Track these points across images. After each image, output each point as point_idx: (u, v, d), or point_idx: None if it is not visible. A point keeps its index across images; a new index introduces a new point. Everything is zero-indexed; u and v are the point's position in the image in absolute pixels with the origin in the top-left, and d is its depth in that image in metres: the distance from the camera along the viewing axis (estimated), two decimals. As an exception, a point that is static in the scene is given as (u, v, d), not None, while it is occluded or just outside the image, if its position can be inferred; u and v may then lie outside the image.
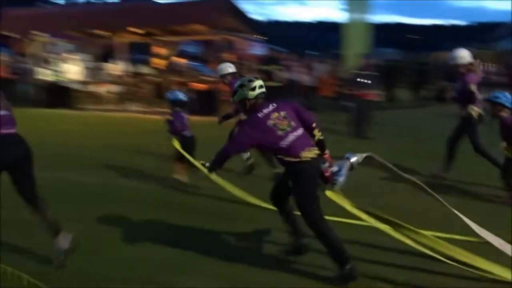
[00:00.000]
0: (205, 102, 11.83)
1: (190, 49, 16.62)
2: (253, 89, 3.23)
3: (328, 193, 3.10)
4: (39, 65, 14.13)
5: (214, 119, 10.24)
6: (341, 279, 2.99)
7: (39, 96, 13.72)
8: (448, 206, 3.25)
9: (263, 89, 3.27)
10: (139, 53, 16.09)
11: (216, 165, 3.29)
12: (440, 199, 3.26)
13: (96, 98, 13.87)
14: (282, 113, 3.16)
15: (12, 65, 14.58)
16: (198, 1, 13.16)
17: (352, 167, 3.20)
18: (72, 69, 14.21)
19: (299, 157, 3.03)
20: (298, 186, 3.08)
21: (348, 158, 3.21)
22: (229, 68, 6.12)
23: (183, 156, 5.13)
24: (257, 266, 3.27)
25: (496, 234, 3.29)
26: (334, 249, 3.02)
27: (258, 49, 15.13)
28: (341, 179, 3.11)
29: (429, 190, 3.28)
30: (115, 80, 13.99)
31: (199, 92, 12.22)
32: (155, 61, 14.91)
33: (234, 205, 4.57)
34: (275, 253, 3.47)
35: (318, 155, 3.13)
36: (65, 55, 14.82)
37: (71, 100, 13.58)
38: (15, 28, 14.15)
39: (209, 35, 12.73)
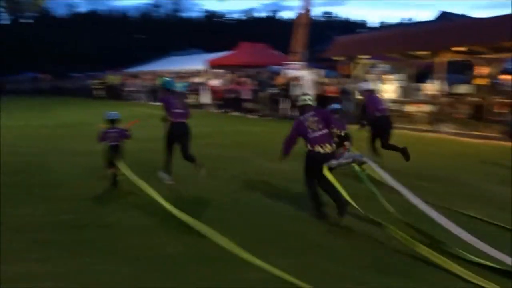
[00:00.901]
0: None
1: (515, 66, 14.77)
2: (299, 100, 5.16)
3: (324, 167, 4.70)
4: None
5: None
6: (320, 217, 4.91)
7: (358, 113, 14.86)
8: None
9: (307, 102, 5.07)
10: (456, 72, 15.42)
11: (283, 151, 5.12)
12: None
13: (408, 117, 14.05)
14: (316, 118, 4.86)
15: (337, 86, 16.42)
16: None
17: (353, 161, 4.86)
18: (388, 89, 14.86)
19: (313, 148, 4.76)
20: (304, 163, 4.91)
21: (355, 156, 4.92)
22: (366, 86, 8.11)
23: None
24: None
25: None
26: (313, 198, 4.96)
27: None
28: (334, 161, 4.73)
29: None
30: (428, 100, 13.85)
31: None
32: (476, 80, 13.95)
33: None
34: None
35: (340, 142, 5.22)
36: (382, 75, 15.66)
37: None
38: (342, 52, 15.91)
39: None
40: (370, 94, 7.90)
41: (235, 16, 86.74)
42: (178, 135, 6.44)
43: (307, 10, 18.76)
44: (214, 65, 22.71)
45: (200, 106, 21.03)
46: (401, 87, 15.39)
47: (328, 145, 4.79)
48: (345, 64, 16.46)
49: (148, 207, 5.37)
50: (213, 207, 5.57)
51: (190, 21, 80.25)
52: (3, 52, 25.04)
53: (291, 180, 6.44)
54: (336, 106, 7.65)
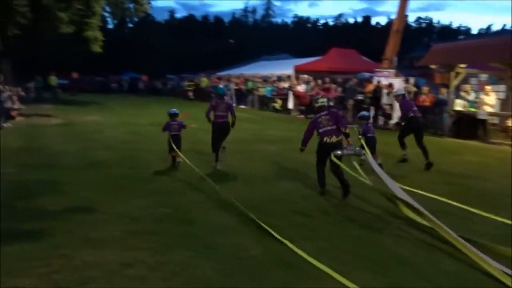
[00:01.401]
0: None
1: None
2: (317, 102, 6.56)
3: (332, 156, 6.13)
4: (456, 96, 14.46)
5: None
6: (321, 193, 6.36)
7: (453, 126, 13.94)
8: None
9: (324, 103, 6.49)
10: None
11: (302, 143, 6.53)
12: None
13: (507, 132, 12.95)
14: (327, 117, 6.26)
15: (430, 95, 15.55)
16: None
17: (354, 153, 6.42)
18: (487, 101, 13.81)
19: (322, 139, 6.21)
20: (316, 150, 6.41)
21: (356, 150, 6.47)
22: (400, 91, 9.61)
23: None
24: None
25: None
26: (319, 178, 6.38)
27: None
28: (339, 152, 6.12)
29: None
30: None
31: None
32: None
33: None
34: None
35: (343, 139, 6.27)
36: (481, 86, 14.59)
37: (483, 132, 13.20)
38: (439, 60, 15.07)
39: None
40: (403, 98, 9.29)
41: (326, 21, 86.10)
42: (217, 131, 8.06)
43: (402, 16, 18.07)
44: (300, 70, 22.71)
45: (286, 111, 21.13)
46: (500, 99, 14.22)
47: (334, 137, 6.22)
48: (441, 72, 15.59)
49: (233, 207, 5.53)
50: (296, 212, 5.59)
51: (281, 26, 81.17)
52: (107, 53, 27.29)
53: (373, 189, 6.25)
54: (365, 113, 9.53)
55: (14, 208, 5.48)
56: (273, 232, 4.63)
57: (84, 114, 18.20)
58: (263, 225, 4.84)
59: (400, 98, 9.26)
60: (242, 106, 25.55)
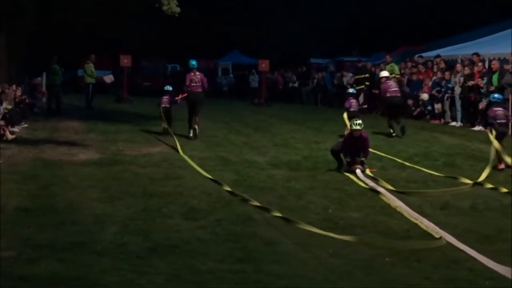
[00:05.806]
0: None
1: None
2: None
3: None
4: None
5: None
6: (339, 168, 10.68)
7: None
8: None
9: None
10: None
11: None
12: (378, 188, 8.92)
13: None
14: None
15: None
16: None
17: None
18: None
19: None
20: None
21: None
22: (383, 74, 16.26)
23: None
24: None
25: None
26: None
27: None
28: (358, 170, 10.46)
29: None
30: None
31: None
32: None
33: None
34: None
35: None
36: None
37: None
38: None
39: None
40: (385, 81, 15.55)
41: None
42: (194, 100, 14.85)
43: None
44: None
45: None
46: None
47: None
48: None
49: None
50: None
51: None
52: (190, 19, 24.74)
53: None
54: (351, 90, 16.61)
55: None
56: None
57: (142, 141, 14.14)
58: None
59: (383, 79, 15.69)
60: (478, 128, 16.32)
